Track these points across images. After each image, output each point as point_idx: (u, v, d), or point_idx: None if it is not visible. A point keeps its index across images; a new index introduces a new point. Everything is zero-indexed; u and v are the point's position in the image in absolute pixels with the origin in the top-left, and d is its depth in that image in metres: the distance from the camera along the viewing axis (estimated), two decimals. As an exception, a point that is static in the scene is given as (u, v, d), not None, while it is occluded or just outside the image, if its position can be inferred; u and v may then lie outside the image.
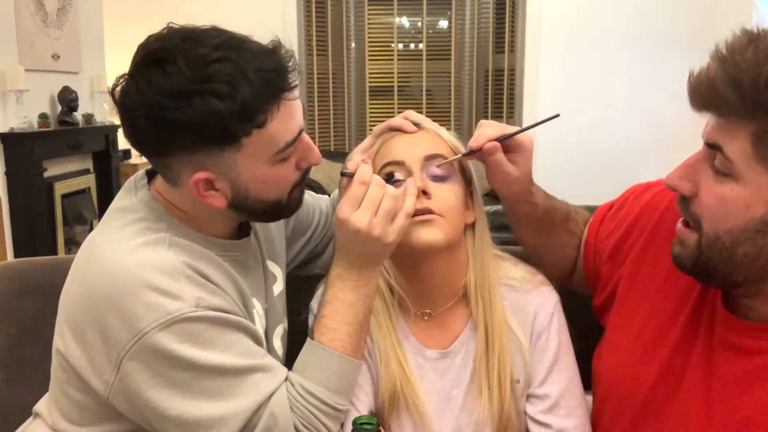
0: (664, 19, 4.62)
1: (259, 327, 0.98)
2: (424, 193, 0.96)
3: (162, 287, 0.83)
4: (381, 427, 0.82)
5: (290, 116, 0.87)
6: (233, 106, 0.81)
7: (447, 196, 0.97)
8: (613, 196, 1.12)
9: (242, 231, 1.01)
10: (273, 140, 0.86)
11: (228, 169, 0.87)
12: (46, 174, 3.66)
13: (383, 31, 5.19)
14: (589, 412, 1.04)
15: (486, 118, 5.07)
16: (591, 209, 1.15)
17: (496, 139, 0.94)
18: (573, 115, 4.55)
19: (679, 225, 0.85)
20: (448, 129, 1.05)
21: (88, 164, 4.27)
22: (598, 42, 4.72)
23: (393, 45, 5.19)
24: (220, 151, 0.85)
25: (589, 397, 1.05)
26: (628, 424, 0.95)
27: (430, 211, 0.95)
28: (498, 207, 1.08)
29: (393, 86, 5.20)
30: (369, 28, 5.15)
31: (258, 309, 1.00)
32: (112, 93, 0.87)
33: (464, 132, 5.05)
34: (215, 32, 0.85)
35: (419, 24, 5.20)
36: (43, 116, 3.66)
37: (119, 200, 0.96)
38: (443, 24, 5.21)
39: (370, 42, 5.16)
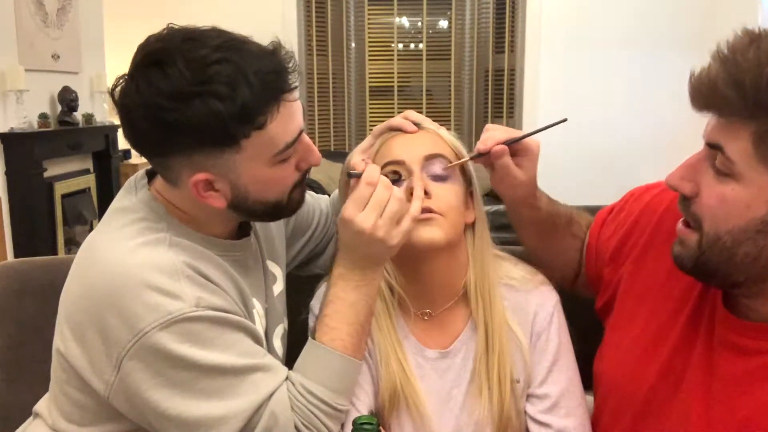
0: (664, 19, 4.62)
1: (259, 327, 0.98)
2: (424, 192, 0.96)
3: (162, 287, 0.83)
4: (381, 427, 0.81)
5: (290, 117, 0.87)
6: (233, 108, 0.81)
7: (447, 195, 0.97)
8: (613, 196, 1.12)
9: (242, 231, 1.01)
10: (273, 142, 0.86)
11: (227, 170, 0.87)
12: (46, 174, 3.66)
13: (383, 31, 5.19)
14: (589, 412, 1.04)
15: (486, 118, 5.08)
16: (590, 209, 1.16)
17: (504, 143, 0.94)
18: (573, 115, 4.52)
19: (680, 225, 0.85)
20: (448, 129, 1.05)
21: (88, 164, 4.27)
22: (598, 42, 4.72)
23: (393, 45, 5.19)
24: (220, 153, 0.85)
25: (590, 398, 1.05)
26: (628, 424, 0.95)
27: (430, 211, 0.95)
28: (498, 207, 1.08)
29: (393, 86, 5.20)
30: (369, 28, 5.15)
31: (258, 309, 1.00)
32: (111, 93, 0.87)
33: (464, 132, 5.06)
34: (215, 33, 0.85)
35: (419, 24, 5.20)
36: (43, 116, 3.66)
37: (119, 200, 0.96)
38: (443, 24, 5.21)
39: (370, 42, 5.16)
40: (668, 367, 0.91)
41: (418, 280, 1.02)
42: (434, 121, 1.05)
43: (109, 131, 4.30)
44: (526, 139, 0.96)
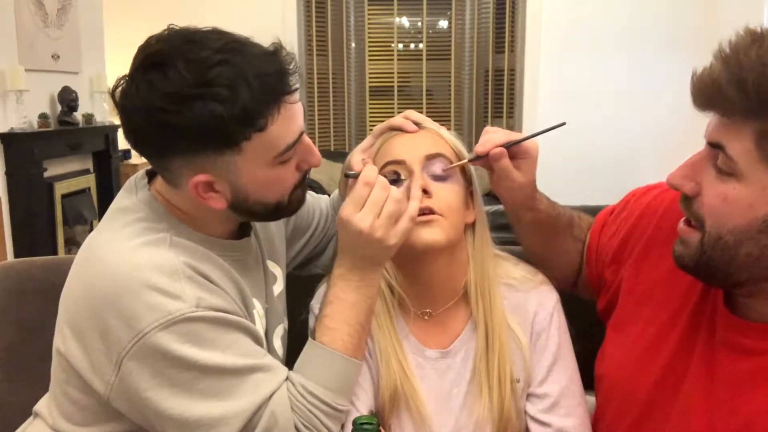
0: (664, 19, 4.62)
1: (260, 327, 0.98)
2: (425, 192, 0.96)
3: (162, 287, 0.83)
4: (381, 427, 0.82)
5: (291, 119, 0.87)
6: (234, 111, 0.81)
7: (448, 195, 0.97)
8: (612, 196, 1.12)
9: (242, 231, 1.01)
10: (273, 143, 0.86)
11: (228, 172, 0.87)
12: (46, 174, 3.66)
13: (383, 31, 5.19)
14: (591, 412, 1.04)
15: (486, 118, 5.08)
16: (590, 209, 1.16)
17: (503, 146, 0.95)
18: (572, 115, 4.55)
19: (681, 224, 0.85)
20: (448, 129, 1.05)
21: (88, 164, 4.27)
22: (598, 42, 4.72)
23: (393, 45, 5.19)
24: (220, 154, 0.85)
25: (591, 398, 1.05)
26: (630, 425, 0.95)
27: (431, 211, 0.95)
28: (498, 207, 1.08)
29: (393, 86, 5.20)
30: (369, 28, 5.15)
31: (258, 309, 1.00)
32: (112, 95, 0.87)
33: (464, 132, 5.06)
34: (216, 35, 0.85)
35: (419, 24, 5.20)
36: (43, 116, 3.66)
37: (119, 200, 0.96)
38: (443, 24, 5.21)
39: (370, 42, 5.16)
40: (669, 367, 0.91)
41: (419, 280, 1.02)
42: (434, 121, 1.05)
43: (109, 131, 4.30)
44: (525, 142, 0.96)
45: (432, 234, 0.95)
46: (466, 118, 5.14)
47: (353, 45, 5.15)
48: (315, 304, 1.03)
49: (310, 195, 1.16)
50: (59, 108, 3.86)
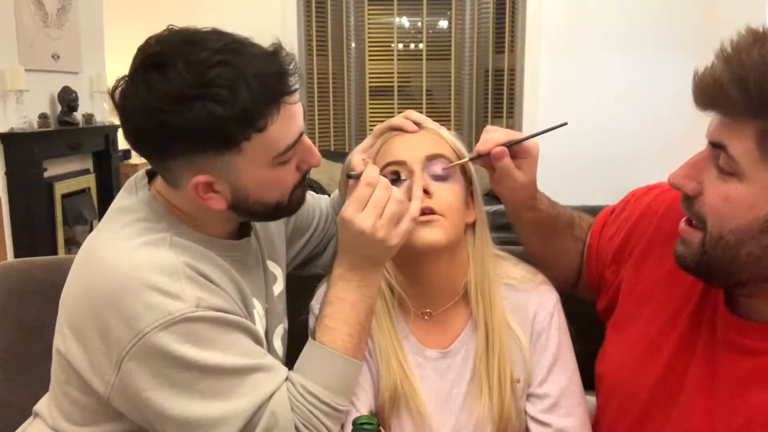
0: (664, 19, 4.62)
1: (260, 327, 0.98)
2: (425, 192, 0.96)
3: (162, 287, 0.83)
4: (381, 427, 0.82)
5: (290, 120, 0.87)
6: (233, 111, 0.81)
7: (448, 195, 0.97)
8: (612, 195, 1.12)
9: (242, 231, 1.01)
10: (273, 144, 0.86)
11: (228, 173, 0.87)
12: (46, 174, 3.66)
13: (383, 31, 5.19)
14: (591, 412, 1.04)
15: (486, 118, 5.08)
16: (589, 209, 1.16)
17: (504, 145, 0.95)
18: (572, 115, 4.54)
19: (683, 224, 0.85)
20: (449, 129, 1.05)
21: (88, 164, 4.27)
22: (597, 42, 4.72)
23: (393, 45, 5.19)
24: (220, 155, 0.85)
25: (591, 398, 1.05)
26: (630, 425, 0.95)
27: (431, 211, 0.95)
28: (498, 207, 1.08)
29: (393, 86, 5.20)
30: (369, 28, 5.15)
31: (258, 309, 1.00)
32: (112, 95, 0.87)
33: (464, 132, 5.06)
34: (216, 35, 0.85)
35: (419, 24, 5.20)
36: (43, 116, 3.66)
37: (120, 200, 0.96)
38: (443, 24, 5.21)
39: (370, 42, 5.16)
40: (670, 367, 0.90)
41: (419, 281, 1.02)
42: (434, 121, 1.05)
43: (109, 131, 4.30)
44: (526, 141, 0.96)
45: (432, 234, 0.95)
46: (466, 118, 5.14)
47: (353, 45, 5.15)
48: (315, 304, 1.03)
49: (310, 195, 1.16)
50: (59, 108, 3.86)
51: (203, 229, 0.94)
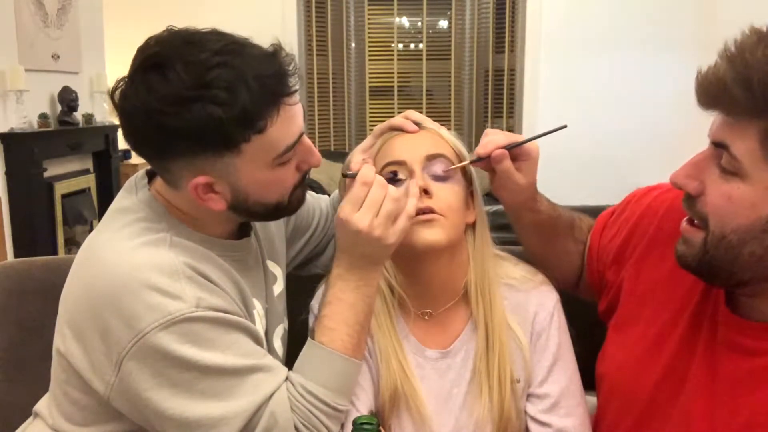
0: (664, 19, 4.62)
1: (260, 327, 0.98)
2: (425, 192, 0.96)
3: (162, 287, 0.83)
4: (381, 427, 0.82)
5: (290, 121, 0.87)
6: (233, 113, 0.81)
7: (448, 195, 0.97)
8: (612, 195, 1.12)
9: (242, 231, 1.01)
10: (273, 145, 0.86)
11: (227, 174, 0.87)
12: (46, 174, 3.66)
13: (383, 31, 5.19)
14: (591, 412, 1.04)
15: (486, 118, 5.08)
16: (589, 209, 1.16)
17: (504, 147, 0.95)
18: (572, 115, 4.55)
19: (684, 224, 0.85)
20: (449, 129, 1.05)
21: (88, 164, 4.27)
22: (597, 42, 4.72)
23: (393, 45, 5.19)
24: (220, 156, 0.85)
25: (592, 398, 1.05)
26: (631, 425, 0.95)
27: (431, 210, 0.95)
28: (498, 207, 1.08)
29: (393, 86, 5.19)
30: (369, 28, 5.15)
31: (258, 309, 1.00)
32: (111, 96, 0.87)
33: (464, 132, 5.06)
34: (215, 36, 0.85)
35: (419, 24, 5.20)
36: (43, 116, 3.66)
37: (119, 200, 0.96)
38: (443, 24, 5.21)
39: (370, 42, 5.16)
40: (671, 368, 0.90)
41: (419, 281, 1.02)
42: (434, 121, 1.05)
43: (109, 131, 4.30)
44: (526, 144, 0.96)
45: (433, 234, 0.95)
46: (466, 118, 5.14)
47: (353, 45, 5.15)
48: (315, 304, 1.03)
49: (310, 195, 1.16)
50: (59, 108, 3.86)
51: (203, 230, 0.94)
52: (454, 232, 0.97)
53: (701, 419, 0.86)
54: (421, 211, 0.94)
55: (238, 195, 0.89)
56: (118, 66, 3.12)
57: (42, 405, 0.99)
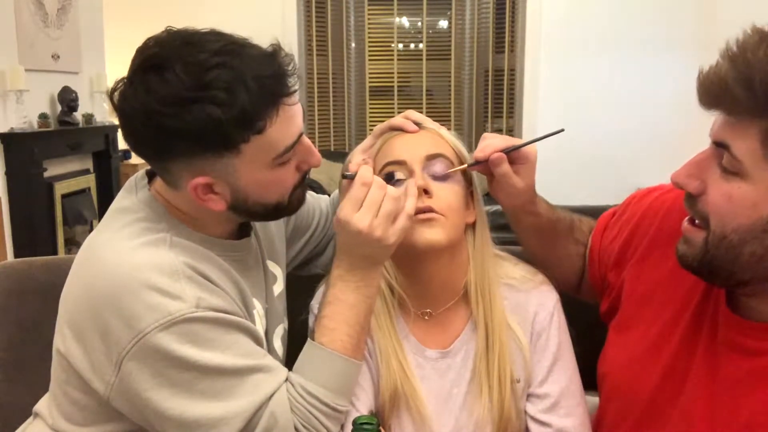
0: (664, 19, 4.62)
1: (260, 327, 0.98)
2: (425, 192, 0.96)
3: (162, 287, 0.83)
4: (381, 427, 0.82)
5: (289, 121, 0.87)
6: (231, 113, 0.80)
7: (448, 195, 0.97)
8: (612, 195, 1.12)
9: (242, 231, 1.01)
10: (272, 145, 0.86)
11: (227, 174, 0.87)
12: (46, 174, 3.66)
13: (383, 31, 5.19)
14: (592, 412, 1.04)
15: (486, 118, 5.08)
16: (589, 209, 1.16)
17: (502, 151, 0.95)
18: (572, 115, 4.56)
19: (685, 223, 0.85)
20: (449, 129, 1.05)
21: (88, 164, 4.27)
22: (598, 42, 4.72)
23: (393, 45, 5.19)
24: (219, 157, 0.85)
25: (592, 398, 1.05)
26: (632, 425, 0.95)
27: (431, 210, 0.95)
28: (498, 207, 1.09)
29: (393, 86, 5.20)
30: (369, 28, 5.15)
31: (258, 309, 1.00)
32: (110, 97, 0.87)
33: (464, 132, 5.06)
34: (214, 36, 0.85)
35: (419, 24, 5.20)
36: (43, 116, 3.66)
37: (120, 200, 0.96)
38: (443, 24, 5.21)
39: (370, 42, 5.16)
40: (671, 368, 0.90)
41: (419, 280, 1.02)
42: (434, 121, 1.05)
43: (109, 131, 4.30)
44: (524, 147, 0.96)
45: (433, 233, 0.95)
46: (466, 118, 5.14)
47: (353, 45, 5.15)
48: (315, 304, 1.03)
49: (310, 195, 1.16)
50: (59, 108, 3.86)
51: (203, 230, 0.94)
52: (454, 231, 0.97)
53: (701, 419, 0.86)
54: (421, 211, 0.94)
55: (238, 195, 0.89)
56: (118, 66, 3.12)
57: (42, 405, 0.99)
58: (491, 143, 0.96)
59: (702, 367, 0.87)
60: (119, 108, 0.86)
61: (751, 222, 0.76)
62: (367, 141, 1.06)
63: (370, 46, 5.16)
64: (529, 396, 1.02)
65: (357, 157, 1.03)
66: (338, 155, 4.06)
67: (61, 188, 3.83)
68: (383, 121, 1.05)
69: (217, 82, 0.80)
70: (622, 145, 4.72)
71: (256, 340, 0.92)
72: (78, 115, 3.97)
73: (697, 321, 0.90)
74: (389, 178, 0.97)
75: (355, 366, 0.93)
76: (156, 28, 0.87)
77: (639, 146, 4.68)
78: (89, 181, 4.20)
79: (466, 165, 1.00)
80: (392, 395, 0.98)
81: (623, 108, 4.73)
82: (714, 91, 0.76)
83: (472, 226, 1.03)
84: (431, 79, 5.20)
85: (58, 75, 3.89)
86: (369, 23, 5.14)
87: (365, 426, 0.78)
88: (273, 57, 0.85)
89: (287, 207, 0.94)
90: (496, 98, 5.06)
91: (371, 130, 1.07)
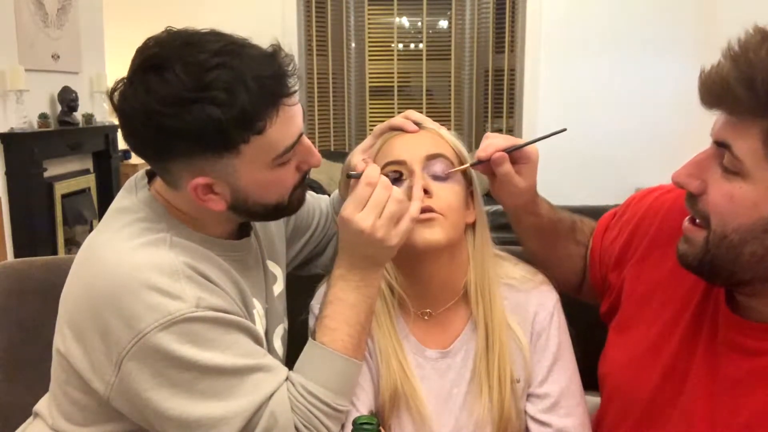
0: (664, 19, 4.62)
1: (260, 327, 0.98)
2: (425, 192, 0.96)
3: (162, 287, 0.83)
4: (381, 427, 0.82)
5: (289, 121, 0.87)
6: (231, 114, 0.80)
7: (448, 195, 0.97)
8: (612, 195, 1.12)
9: (242, 231, 1.01)
10: (272, 146, 0.86)
11: (227, 174, 0.87)
12: (46, 174, 3.66)
13: (383, 31, 5.19)
14: (593, 412, 1.04)
15: (486, 118, 5.08)
16: (590, 209, 1.16)
17: (504, 150, 0.95)
18: (572, 115, 4.56)
19: (686, 223, 0.85)
20: (449, 129, 1.05)
21: (88, 164, 4.27)
22: (598, 42, 4.72)
23: (393, 45, 5.19)
24: (219, 157, 0.85)
25: (592, 398, 1.05)
26: (632, 425, 0.95)
27: (431, 210, 0.95)
28: (498, 207, 1.09)
29: (393, 86, 5.20)
30: (369, 28, 5.15)
31: (258, 309, 1.00)
32: (110, 97, 0.87)
33: (464, 132, 5.07)
34: (214, 37, 0.85)
35: (419, 24, 5.20)
36: (43, 116, 3.66)
37: (119, 200, 0.96)
38: (443, 24, 5.21)
39: (370, 42, 5.16)
40: (671, 368, 0.90)
41: (419, 280, 1.02)
42: (434, 121, 1.05)
43: (109, 131, 4.30)
44: (526, 147, 0.96)
45: (433, 233, 0.95)
46: (466, 118, 5.14)
47: (353, 45, 5.15)
48: (315, 304, 1.03)
49: (310, 195, 1.16)
50: (59, 108, 3.86)
51: (203, 230, 0.94)
52: (453, 231, 0.97)
53: (702, 419, 0.86)
54: (420, 211, 0.94)
55: (238, 195, 0.89)
56: (118, 66, 3.12)
57: (42, 405, 0.99)
58: (493, 143, 0.96)
59: (702, 367, 0.87)
60: (119, 108, 0.86)
61: (751, 222, 0.76)
62: (367, 141, 1.06)
63: (370, 46, 5.16)
64: (529, 396, 1.02)
65: (357, 157, 1.03)
66: (338, 155, 4.06)
67: (61, 188, 3.83)
68: (383, 121, 1.05)
69: (217, 83, 0.80)
70: (622, 145, 4.72)
71: (256, 339, 0.92)
72: (78, 115, 3.97)
73: (697, 321, 0.90)
74: (396, 179, 0.97)
75: (356, 366, 0.93)
76: (156, 28, 0.87)
77: (639, 146, 4.68)
78: (89, 181, 4.20)
79: (467, 164, 1.00)
80: (392, 395, 0.98)
81: (623, 108, 4.73)
82: (716, 90, 0.76)
83: (472, 226, 1.03)
84: (431, 79, 5.20)
85: (58, 75, 3.89)
86: (369, 23, 5.14)
87: (365, 426, 0.78)
88: (273, 57, 0.85)
89: (287, 207, 0.94)
90: (496, 98, 5.06)
91: (371, 130, 1.07)
